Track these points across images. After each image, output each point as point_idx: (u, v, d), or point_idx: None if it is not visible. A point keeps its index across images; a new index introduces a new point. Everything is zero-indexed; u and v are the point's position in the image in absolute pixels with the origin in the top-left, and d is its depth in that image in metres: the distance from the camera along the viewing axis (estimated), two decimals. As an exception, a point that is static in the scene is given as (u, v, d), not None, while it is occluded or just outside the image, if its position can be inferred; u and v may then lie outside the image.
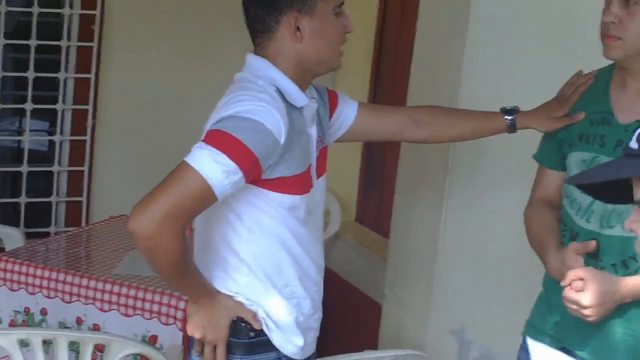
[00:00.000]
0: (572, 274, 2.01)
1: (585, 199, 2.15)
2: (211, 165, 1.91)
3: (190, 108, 4.84)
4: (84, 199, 4.88)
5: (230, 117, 1.97)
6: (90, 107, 4.82)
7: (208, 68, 4.78)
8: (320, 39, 2.11)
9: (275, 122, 1.99)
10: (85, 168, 4.87)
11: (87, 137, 4.84)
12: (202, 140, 1.97)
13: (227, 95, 2.07)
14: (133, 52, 4.82)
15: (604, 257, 2.11)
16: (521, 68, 2.99)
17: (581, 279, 1.98)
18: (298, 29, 2.08)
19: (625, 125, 2.12)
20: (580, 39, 2.62)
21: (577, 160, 2.22)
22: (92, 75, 4.78)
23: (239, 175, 1.94)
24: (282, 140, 2.01)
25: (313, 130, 2.20)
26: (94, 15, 4.73)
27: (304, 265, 2.20)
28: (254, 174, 1.99)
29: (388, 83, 4.69)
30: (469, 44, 3.03)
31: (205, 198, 1.94)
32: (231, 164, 1.92)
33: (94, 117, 4.85)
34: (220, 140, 1.94)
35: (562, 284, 2.03)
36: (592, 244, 2.08)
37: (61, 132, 4.85)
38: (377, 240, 4.57)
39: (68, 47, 4.78)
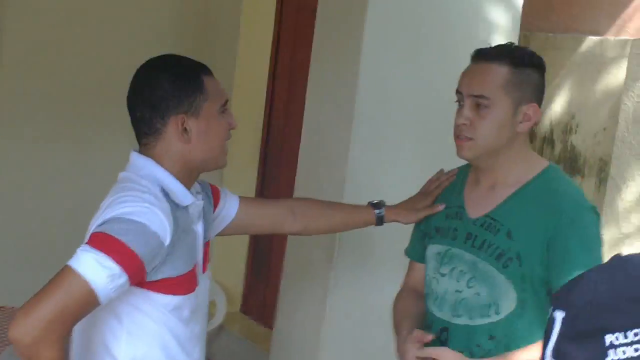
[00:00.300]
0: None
1: (441, 289, 2.24)
2: (95, 269, 1.85)
3: (68, 202, 4.78)
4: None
5: (114, 219, 1.92)
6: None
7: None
8: (207, 139, 2.10)
9: (160, 223, 1.95)
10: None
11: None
12: (86, 243, 1.90)
13: (110, 195, 2.03)
14: None
15: (452, 344, 2.19)
16: (401, 164, 3.08)
17: None
18: (185, 130, 2.07)
19: (474, 219, 2.23)
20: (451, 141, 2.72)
21: (433, 253, 2.31)
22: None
23: (123, 278, 1.88)
24: (167, 242, 1.97)
25: (199, 227, 2.17)
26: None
27: None
28: (138, 276, 1.94)
29: (275, 175, 4.73)
30: (352, 140, 3.08)
31: (89, 303, 1.86)
32: (116, 268, 1.87)
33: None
34: (104, 243, 1.88)
35: None
36: (429, 336, 2.14)
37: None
38: (262, 332, 4.53)
39: None
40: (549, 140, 3.71)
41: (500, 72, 2.13)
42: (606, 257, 3.29)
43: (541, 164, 2.26)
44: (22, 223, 4.81)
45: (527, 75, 2.15)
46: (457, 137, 2.19)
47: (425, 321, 2.30)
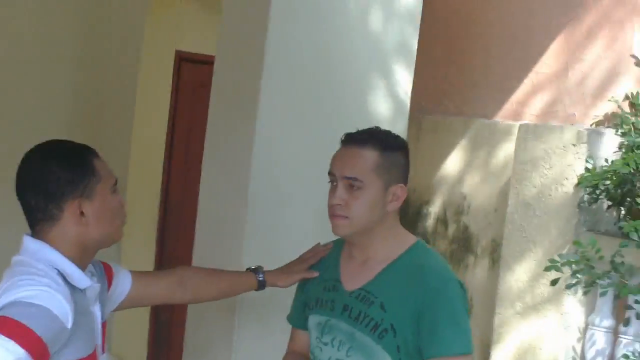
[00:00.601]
0: None
1: (324, 357, 2.38)
2: (1, 354, 1.83)
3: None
4: None
5: (14, 302, 1.90)
6: None
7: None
8: (104, 219, 2.12)
9: (61, 306, 1.95)
10: None
11: None
12: None
13: (6, 279, 2.00)
14: None
15: None
16: (298, 224, 3.16)
17: None
18: (82, 213, 2.08)
19: (350, 292, 2.37)
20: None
21: (314, 323, 2.44)
22: None
23: None
24: (69, 325, 1.97)
25: (96, 309, 2.17)
26: None
27: None
28: None
29: (173, 244, 4.75)
30: (249, 204, 3.13)
31: None
32: (21, 351, 1.84)
33: None
34: (7, 327, 1.86)
35: None
36: None
37: None
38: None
39: None
40: (442, 220, 3.84)
41: (371, 156, 2.29)
42: (502, 332, 3.42)
43: (409, 239, 2.41)
44: None
45: (394, 158, 2.32)
46: (332, 215, 2.32)
47: None
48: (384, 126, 2.52)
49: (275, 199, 3.19)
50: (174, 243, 4.77)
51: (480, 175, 3.72)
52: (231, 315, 3.15)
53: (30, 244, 2.09)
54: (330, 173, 2.35)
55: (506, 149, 3.66)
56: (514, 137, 3.59)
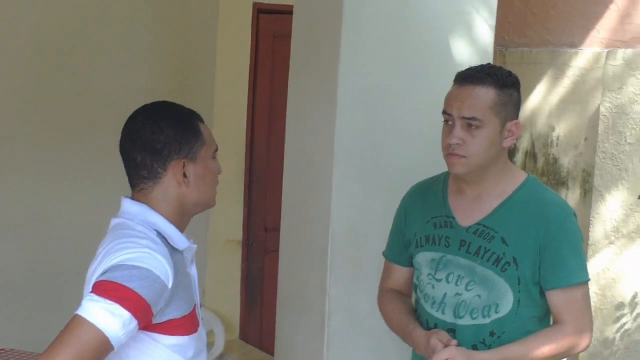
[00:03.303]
0: (438, 357, 2.29)
1: (438, 293, 2.43)
2: (106, 318, 1.89)
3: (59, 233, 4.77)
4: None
5: (116, 266, 1.96)
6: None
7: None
8: (203, 183, 2.17)
9: (161, 266, 2.00)
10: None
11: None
12: (92, 292, 1.94)
13: (107, 243, 2.07)
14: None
15: (459, 342, 2.36)
16: (384, 184, 3.13)
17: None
18: (184, 174, 2.13)
19: (466, 227, 2.41)
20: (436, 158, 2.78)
21: (426, 260, 2.48)
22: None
23: (133, 323, 1.93)
24: (170, 284, 2.02)
25: (193, 270, 2.23)
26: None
27: None
28: (146, 320, 1.99)
29: (261, 202, 4.78)
30: (336, 156, 3.11)
31: (104, 351, 1.90)
32: (126, 314, 1.91)
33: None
34: (111, 290, 1.92)
35: None
36: (454, 341, 2.34)
37: None
38: (261, 358, 4.55)
39: None
40: (530, 154, 3.77)
41: (488, 94, 2.32)
42: (596, 262, 3.36)
43: (521, 175, 2.46)
44: (13, 266, 4.80)
45: (509, 95, 2.35)
46: (450, 154, 2.35)
47: (426, 324, 2.47)
48: (469, 62, 2.49)
49: (362, 151, 3.16)
50: (261, 202, 4.79)
51: (568, 106, 3.64)
52: (324, 257, 3.15)
53: (131, 206, 2.15)
54: (445, 112, 2.38)
55: (594, 78, 3.56)
56: (601, 65, 3.49)
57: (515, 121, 2.37)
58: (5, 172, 4.57)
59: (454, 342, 2.34)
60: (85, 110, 4.63)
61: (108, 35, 4.58)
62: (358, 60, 3.11)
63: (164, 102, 2.23)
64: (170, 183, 2.13)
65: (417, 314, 2.55)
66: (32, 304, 4.73)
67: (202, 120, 2.20)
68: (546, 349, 2.33)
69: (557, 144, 3.65)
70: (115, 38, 4.62)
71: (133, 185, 2.17)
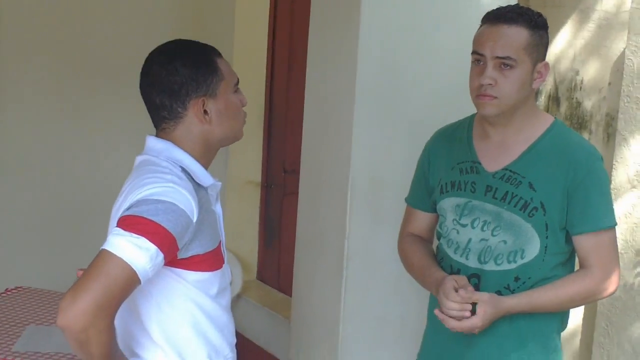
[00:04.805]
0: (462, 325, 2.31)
1: (463, 238, 2.43)
2: (133, 251, 1.91)
3: (83, 170, 4.82)
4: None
5: (142, 200, 1.97)
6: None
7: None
8: (226, 118, 2.17)
9: (186, 200, 2.01)
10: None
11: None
12: (118, 226, 1.95)
13: (132, 179, 2.08)
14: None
15: (483, 289, 2.38)
16: (404, 135, 3.13)
17: (474, 302, 2.30)
18: (205, 112, 2.13)
19: (492, 173, 2.40)
20: (458, 106, 2.76)
21: (451, 205, 2.47)
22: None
23: (160, 257, 1.95)
24: (195, 219, 2.03)
25: (218, 208, 2.24)
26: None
27: (217, 344, 2.19)
28: (172, 254, 2.01)
29: (280, 146, 4.78)
30: (357, 101, 3.10)
31: (132, 284, 1.92)
32: (152, 247, 1.93)
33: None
34: (137, 224, 1.94)
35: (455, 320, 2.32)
36: (467, 286, 2.35)
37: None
38: (279, 299, 4.59)
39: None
40: (554, 98, 3.74)
41: (522, 34, 2.30)
42: (618, 207, 3.35)
43: (547, 118, 2.45)
44: (35, 204, 4.85)
45: (540, 36, 2.34)
46: (481, 95, 2.32)
47: (450, 269, 2.48)
48: (493, 6, 2.46)
49: (383, 95, 3.15)
50: (281, 144, 4.78)
51: (592, 49, 3.59)
52: (344, 201, 3.16)
53: (156, 143, 2.16)
54: (475, 53, 2.35)
55: (619, 22, 3.50)
56: (627, 9, 3.44)
57: (544, 62, 2.36)
58: (35, 113, 4.65)
59: (470, 287, 2.34)
60: (109, 54, 4.74)
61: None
62: (381, 2, 3.08)
63: (179, 40, 2.22)
64: (192, 121, 2.13)
65: (439, 259, 2.55)
66: (56, 242, 4.78)
67: (219, 55, 2.18)
68: (575, 293, 2.34)
69: (580, 88, 3.61)
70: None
71: (156, 125, 2.18)
